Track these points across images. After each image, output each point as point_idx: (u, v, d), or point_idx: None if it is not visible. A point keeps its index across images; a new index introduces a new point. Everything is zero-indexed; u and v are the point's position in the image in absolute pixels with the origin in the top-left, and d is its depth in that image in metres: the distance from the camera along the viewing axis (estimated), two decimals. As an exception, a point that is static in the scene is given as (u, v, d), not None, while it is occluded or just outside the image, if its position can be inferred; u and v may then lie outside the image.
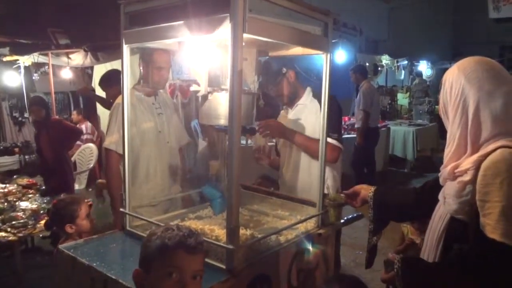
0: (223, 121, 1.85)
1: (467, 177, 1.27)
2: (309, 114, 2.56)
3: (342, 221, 2.13)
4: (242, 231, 1.69)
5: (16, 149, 7.18)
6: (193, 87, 1.86)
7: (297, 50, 2.09)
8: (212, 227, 1.76)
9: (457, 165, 1.32)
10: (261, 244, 1.73)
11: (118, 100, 2.63)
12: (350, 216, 2.25)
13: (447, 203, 1.36)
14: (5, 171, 6.79)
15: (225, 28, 1.43)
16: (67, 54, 5.65)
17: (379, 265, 1.89)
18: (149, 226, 1.99)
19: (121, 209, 2.01)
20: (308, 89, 2.63)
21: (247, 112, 1.91)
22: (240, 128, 1.47)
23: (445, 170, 1.36)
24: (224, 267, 1.55)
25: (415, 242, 2.65)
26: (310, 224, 2.03)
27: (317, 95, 2.51)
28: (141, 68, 2.52)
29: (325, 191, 2.08)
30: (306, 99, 2.61)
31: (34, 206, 4.08)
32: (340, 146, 2.54)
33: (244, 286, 1.63)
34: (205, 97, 1.86)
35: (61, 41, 6.80)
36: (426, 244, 1.48)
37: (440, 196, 1.44)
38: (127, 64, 1.91)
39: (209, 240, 1.61)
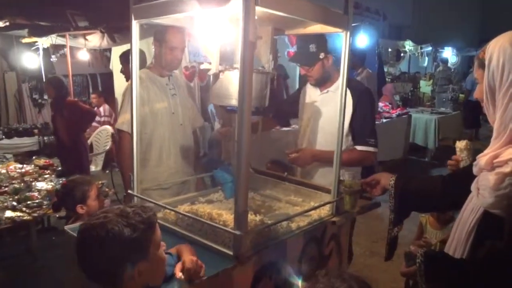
0: (234, 101, 1.76)
1: (507, 169, 1.16)
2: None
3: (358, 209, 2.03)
4: (251, 217, 1.62)
5: (36, 131, 7.27)
6: (204, 65, 1.78)
7: (315, 28, 1.98)
8: (220, 212, 1.69)
9: (497, 155, 1.20)
10: (271, 231, 1.66)
11: (131, 80, 2.57)
12: (367, 205, 2.15)
13: (481, 196, 1.25)
14: (24, 152, 6.90)
15: (237, 0, 1.34)
16: (84, 36, 5.62)
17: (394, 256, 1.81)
18: (158, 209, 1.94)
19: (129, 191, 1.96)
20: None
21: (260, 93, 1.82)
22: (250, 109, 1.39)
23: (482, 159, 1.24)
24: (231, 253, 1.48)
25: (430, 243, 2.52)
26: (324, 211, 1.94)
27: (350, 83, 2.39)
28: (153, 47, 2.44)
29: (341, 177, 1.98)
30: (339, 86, 2.50)
31: (50, 186, 4.11)
32: (377, 150, 2.44)
33: (252, 274, 1.56)
34: (216, 76, 1.78)
35: (80, 23, 6.80)
36: (453, 238, 1.37)
37: (473, 187, 1.32)
38: (136, 41, 1.84)
39: (216, 225, 1.54)
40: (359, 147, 2.41)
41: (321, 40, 2.36)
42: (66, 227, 1.80)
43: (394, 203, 1.74)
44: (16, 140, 7.02)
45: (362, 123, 2.40)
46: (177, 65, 2.52)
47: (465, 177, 1.40)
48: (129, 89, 2.52)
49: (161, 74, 2.56)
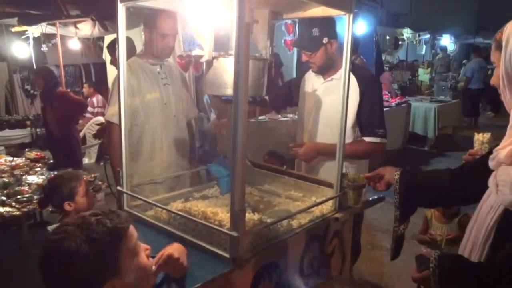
0: (230, 90, 1.63)
1: None
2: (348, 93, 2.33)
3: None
4: (249, 215, 1.50)
5: (28, 122, 7.13)
6: (196, 52, 1.64)
7: (315, 11, 1.85)
8: (215, 210, 1.57)
9: None
10: (270, 230, 1.54)
11: (121, 69, 2.43)
12: (371, 199, 2.04)
13: (501, 192, 1.13)
14: (17, 144, 6.76)
15: (231, -22, 1.21)
16: (75, 24, 5.44)
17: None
18: (150, 206, 1.82)
19: (118, 188, 1.84)
20: None
21: (257, 81, 1.69)
22: (246, 98, 1.26)
23: (502, 152, 1.12)
24: (227, 256, 1.36)
25: (435, 239, 2.42)
26: (326, 207, 1.83)
27: (356, 70, 2.25)
28: (143, 34, 2.30)
29: (344, 171, 1.87)
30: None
31: (40, 180, 3.98)
32: (386, 141, 2.31)
33: (251, 277, 1.45)
34: (210, 64, 1.64)
35: (71, 11, 6.61)
36: (469, 238, 1.26)
37: (491, 183, 1.21)
38: (123, 26, 1.70)
39: (211, 226, 1.42)
40: (367, 139, 2.28)
41: (324, 24, 2.21)
42: (49, 228, 1.68)
43: (399, 199, 1.64)
44: (7, 132, 6.89)
45: (370, 113, 2.27)
46: (169, 53, 2.37)
47: (478, 170, 1.30)
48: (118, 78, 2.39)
49: (152, 63, 2.42)
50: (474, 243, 1.22)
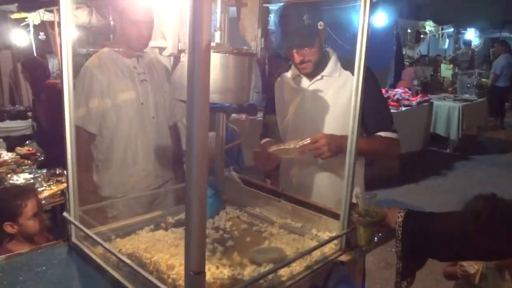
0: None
1: None
2: (340, 91, 1.84)
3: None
4: (216, 272, 1.09)
5: (29, 113, 6.85)
6: (155, 43, 1.23)
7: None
8: (172, 262, 1.16)
9: None
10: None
11: (89, 62, 2.04)
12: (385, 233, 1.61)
13: None
14: (18, 136, 6.49)
15: None
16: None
17: None
18: (105, 237, 1.44)
19: (64, 214, 1.45)
20: (334, 55, 1.89)
21: (241, 83, 1.27)
22: (206, 107, 0.85)
23: None
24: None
25: (467, 271, 1.97)
26: (329, 246, 1.41)
27: (350, 62, 1.82)
28: (111, 20, 1.90)
29: (354, 199, 1.44)
30: (334, 68, 1.87)
31: (23, 180, 3.65)
32: (400, 138, 1.88)
33: None
34: (176, 59, 1.23)
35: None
36: None
37: None
38: (67, 5, 1.30)
39: (160, 286, 1.01)
40: (384, 134, 1.84)
41: (311, 5, 1.74)
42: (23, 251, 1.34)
43: (402, 248, 1.28)
44: (8, 123, 6.60)
45: (378, 109, 1.82)
46: (144, 43, 1.95)
47: None
48: (84, 73, 2.00)
49: (127, 55, 2.03)
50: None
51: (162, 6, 1.18)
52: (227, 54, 1.18)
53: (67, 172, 1.42)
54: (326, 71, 1.86)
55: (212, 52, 1.17)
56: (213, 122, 1.84)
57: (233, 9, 1.44)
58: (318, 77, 1.88)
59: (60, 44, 1.33)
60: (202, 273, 0.91)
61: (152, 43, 1.21)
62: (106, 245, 1.22)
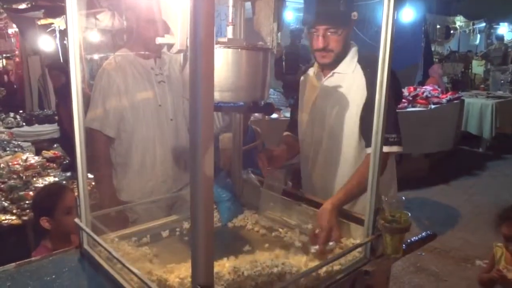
0: (217, 94, 1.15)
1: None
2: (351, 90, 1.72)
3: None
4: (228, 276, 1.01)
5: (56, 117, 6.98)
6: (162, 40, 1.17)
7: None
8: (185, 272, 1.09)
9: None
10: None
11: (105, 64, 2.01)
12: (418, 237, 1.50)
13: None
14: (46, 140, 6.62)
15: None
16: (94, 15, 5.13)
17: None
18: (118, 244, 1.39)
19: (75, 220, 1.41)
20: (354, 49, 1.77)
21: (255, 80, 1.19)
22: (211, 105, 0.78)
23: None
24: None
25: (505, 276, 1.83)
26: (352, 254, 1.32)
27: (362, 58, 1.73)
28: (124, 19, 1.87)
29: (381, 204, 1.34)
30: (348, 65, 1.74)
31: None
32: (401, 149, 1.67)
33: None
34: (186, 57, 1.17)
35: (103, 2, 6.34)
36: None
37: None
38: (73, 9, 1.26)
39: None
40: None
41: None
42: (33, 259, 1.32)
43: None
44: (37, 127, 6.75)
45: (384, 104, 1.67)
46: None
47: None
48: (101, 75, 1.97)
49: (144, 56, 1.99)
50: None
51: (170, 2, 1.12)
52: (239, 50, 1.11)
53: (77, 179, 1.37)
54: (339, 68, 1.76)
55: (223, 47, 1.12)
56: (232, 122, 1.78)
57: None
58: (330, 74, 1.78)
59: (67, 46, 1.29)
60: (210, 286, 0.84)
61: (159, 40, 1.15)
62: (115, 253, 1.17)
